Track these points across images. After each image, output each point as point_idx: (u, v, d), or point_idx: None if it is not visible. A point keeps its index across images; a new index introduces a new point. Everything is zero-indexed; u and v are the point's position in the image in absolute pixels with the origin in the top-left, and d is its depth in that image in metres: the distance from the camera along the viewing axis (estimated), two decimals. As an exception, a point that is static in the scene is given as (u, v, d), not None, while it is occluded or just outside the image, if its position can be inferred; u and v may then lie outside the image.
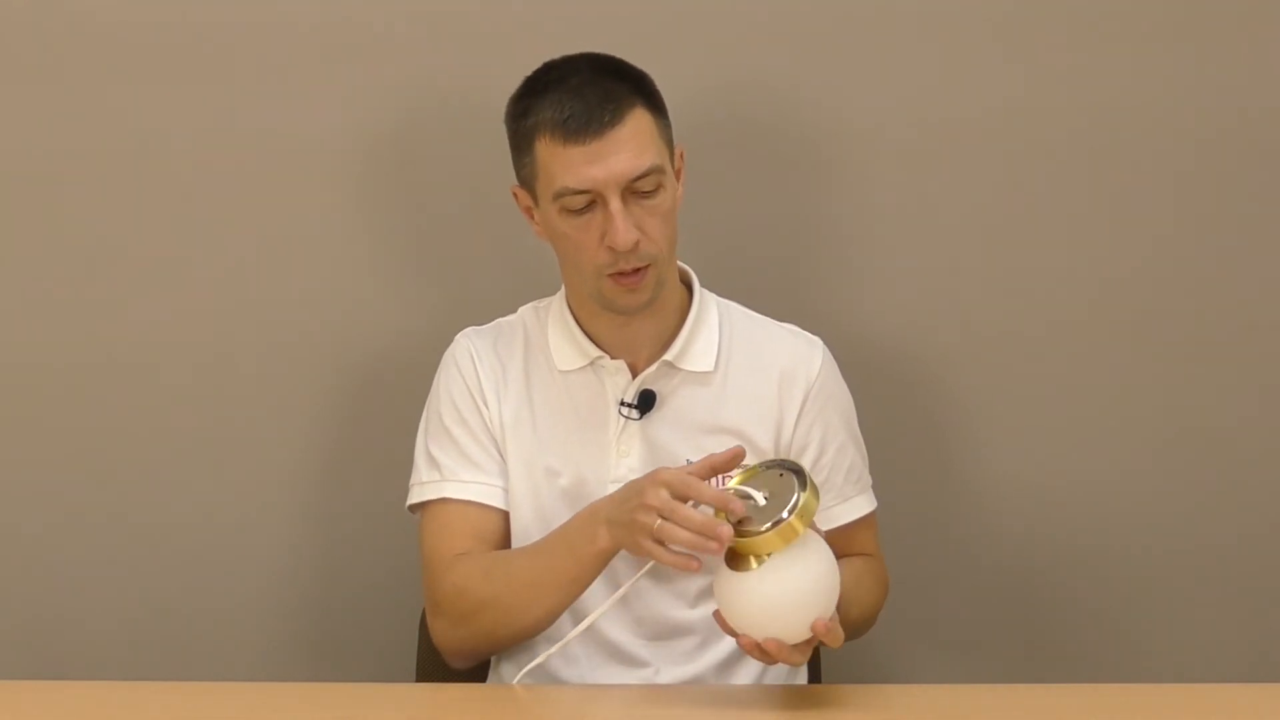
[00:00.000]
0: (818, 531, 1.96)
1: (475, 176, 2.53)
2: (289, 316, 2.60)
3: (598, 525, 2.06)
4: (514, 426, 2.23)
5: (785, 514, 1.90)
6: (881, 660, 2.61)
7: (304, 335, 2.60)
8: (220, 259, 2.59)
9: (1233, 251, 2.62)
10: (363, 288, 2.60)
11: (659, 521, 1.97)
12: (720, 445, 2.18)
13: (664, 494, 1.97)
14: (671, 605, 2.22)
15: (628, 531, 2.01)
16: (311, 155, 2.58)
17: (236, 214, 2.59)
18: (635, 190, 2.12)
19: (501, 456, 2.23)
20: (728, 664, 2.22)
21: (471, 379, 2.25)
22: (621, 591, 2.07)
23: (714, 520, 1.94)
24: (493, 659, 2.26)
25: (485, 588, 2.15)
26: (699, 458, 2.11)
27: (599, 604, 2.09)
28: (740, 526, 1.93)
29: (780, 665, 2.06)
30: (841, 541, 2.22)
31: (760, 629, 1.94)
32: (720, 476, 2.03)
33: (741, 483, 1.96)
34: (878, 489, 2.32)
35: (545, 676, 2.19)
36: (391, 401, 2.54)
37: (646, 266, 2.14)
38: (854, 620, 2.16)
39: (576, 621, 2.12)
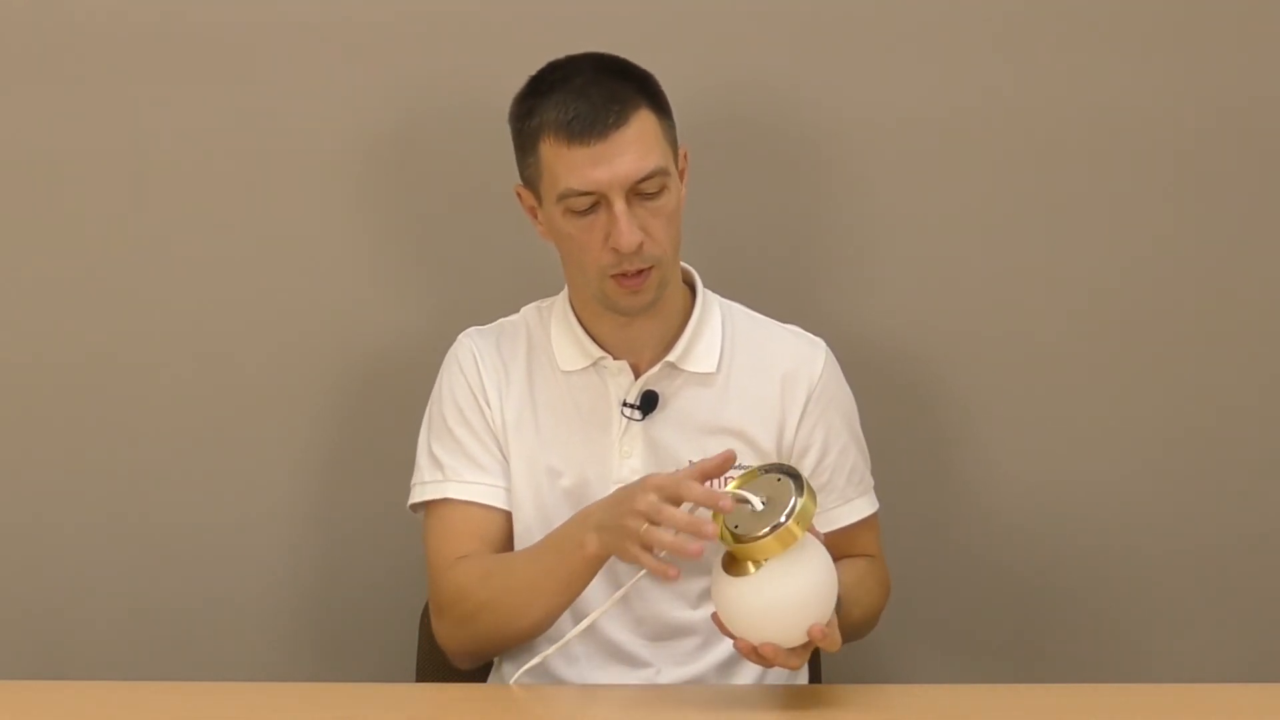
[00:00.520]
0: (816, 535, 1.96)
1: (475, 176, 2.53)
2: (289, 316, 2.60)
3: (588, 531, 2.06)
4: (516, 426, 2.23)
5: (783, 519, 1.90)
6: (881, 660, 2.61)
7: (304, 335, 2.60)
8: (220, 259, 2.59)
9: (1233, 252, 2.62)
10: (363, 288, 2.60)
11: (645, 526, 1.97)
12: (722, 446, 2.18)
13: (652, 498, 1.97)
14: (673, 606, 2.22)
15: (616, 537, 2.01)
16: (311, 155, 2.58)
17: (236, 214, 2.59)
18: (639, 192, 2.12)
19: (504, 457, 2.23)
20: (729, 665, 2.22)
21: (474, 379, 2.25)
22: (621, 592, 2.07)
23: (699, 519, 1.93)
24: (495, 658, 2.26)
25: (484, 591, 2.15)
26: (701, 459, 2.11)
27: (600, 604, 2.09)
28: (737, 531, 1.92)
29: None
30: (843, 543, 2.23)
31: (757, 633, 1.94)
32: (718, 480, 2.03)
33: (738, 487, 1.96)
34: (879, 490, 2.32)
35: (546, 676, 2.19)
36: (392, 401, 2.54)
37: (650, 268, 2.14)
38: (855, 621, 2.16)
39: (577, 621, 2.12)
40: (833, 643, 1.97)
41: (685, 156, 2.21)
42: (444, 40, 2.57)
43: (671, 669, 2.21)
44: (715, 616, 1.98)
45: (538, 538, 2.18)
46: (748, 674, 2.21)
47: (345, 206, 2.59)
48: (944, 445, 2.64)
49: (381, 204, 2.60)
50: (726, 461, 2.00)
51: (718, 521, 1.94)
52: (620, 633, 2.21)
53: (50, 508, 2.60)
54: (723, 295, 2.30)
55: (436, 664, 2.27)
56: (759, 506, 1.92)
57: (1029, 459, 2.64)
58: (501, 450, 2.23)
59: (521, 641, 2.18)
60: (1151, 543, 2.65)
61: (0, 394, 2.60)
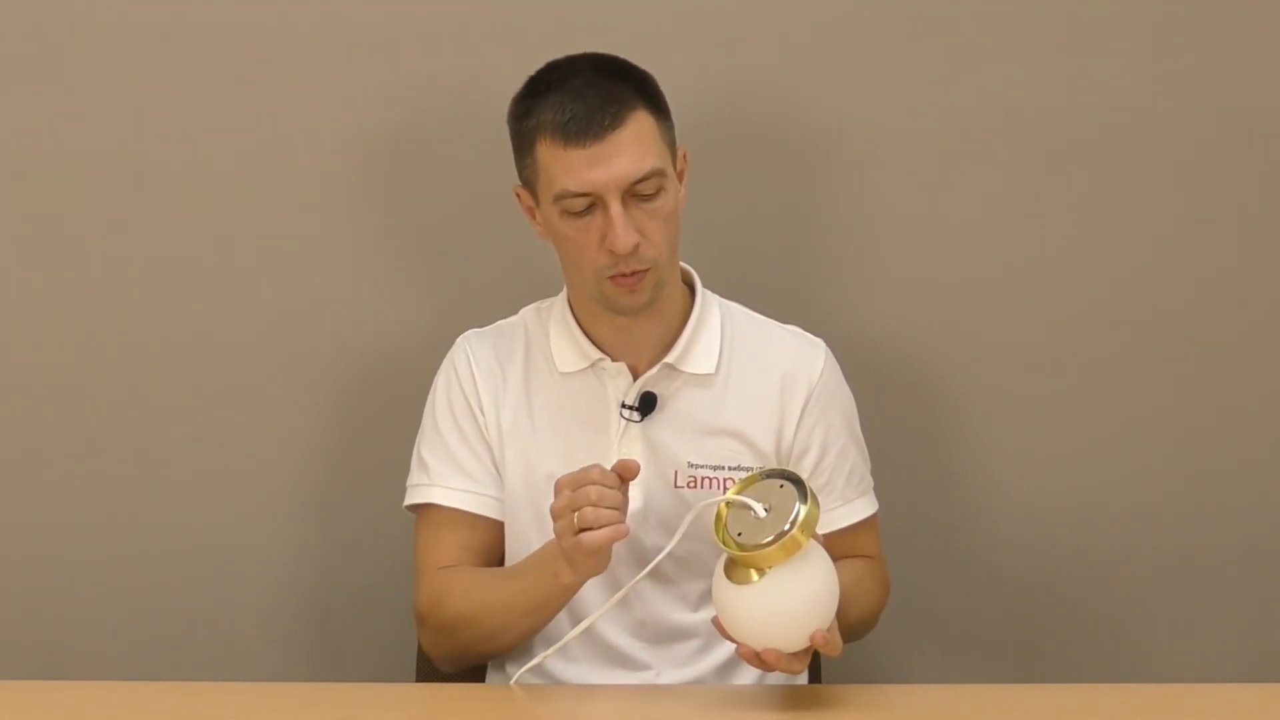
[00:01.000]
0: (817, 540, 1.95)
1: (475, 177, 2.53)
2: (289, 317, 2.60)
3: (559, 561, 2.06)
4: (513, 430, 2.23)
5: (788, 527, 1.89)
6: (881, 660, 2.61)
7: (304, 335, 2.60)
8: (220, 259, 2.59)
9: (1234, 253, 2.62)
10: (362, 288, 2.60)
11: (574, 515, 1.97)
12: (721, 447, 2.19)
13: (566, 494, 1.99)
14: (673, 608, 2.21)
15: (570, 559, 2.02)
16: (311, 155, 2.58)
17: (236, 214, 2.59)
18: (636, 193, 2.11)
19: (496, 466, 2.23)
20: (729, 668, 2.21)
21: (468, 385, 2.24)
22: (621, 594, 2.07)
23: (610, 484, 1.97)
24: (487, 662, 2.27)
25: (463, 606, 2.15)
26: (700, 460, 2.12)
27: (599, 606, 2.09)
28: (740, 539, 1.92)
29: (781, 666, 2.06)
30: (843, 544, 2.22)
31: (759, 639, 1.94)
32: (720, 484, 2.02)
33: (738, 492, 1.95)
34: (879, 490, 2.32)
35: (545, 678, 2.19)
36: (391, 402, 2.53)
37: (646, 270, 2.14)
38: (854, 622, 2.16)
39: (575, 623, 2.12)
40: (834, 647, 1.97)
41: (684, 157, 2.20)
42: (444, 40, 2.57)
43: (671, 672, 2.21)
44: (716, 621, 1.98)
45: (534, 540, 2.17)
46: (748, 677, 2.21)
47: (345, 207, 2.59)
48: (944, 445, 2.63)
49: (381, 204, 2.60)
50: (629, 469, 2.01)
51: (719, 528, 1.94)
52: (620, 636, 2.21)
53: (50, 508, 2.60)
54: (723, 295, 2.30)
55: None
56: (761, 513, 1.92)
57: (1029, 459, 2.64)
58: (494, 459, 2.23)
59: (499, 655, 2.20)
60: (1151, 543, 2.64)
61: (0, 394, 2.60)
